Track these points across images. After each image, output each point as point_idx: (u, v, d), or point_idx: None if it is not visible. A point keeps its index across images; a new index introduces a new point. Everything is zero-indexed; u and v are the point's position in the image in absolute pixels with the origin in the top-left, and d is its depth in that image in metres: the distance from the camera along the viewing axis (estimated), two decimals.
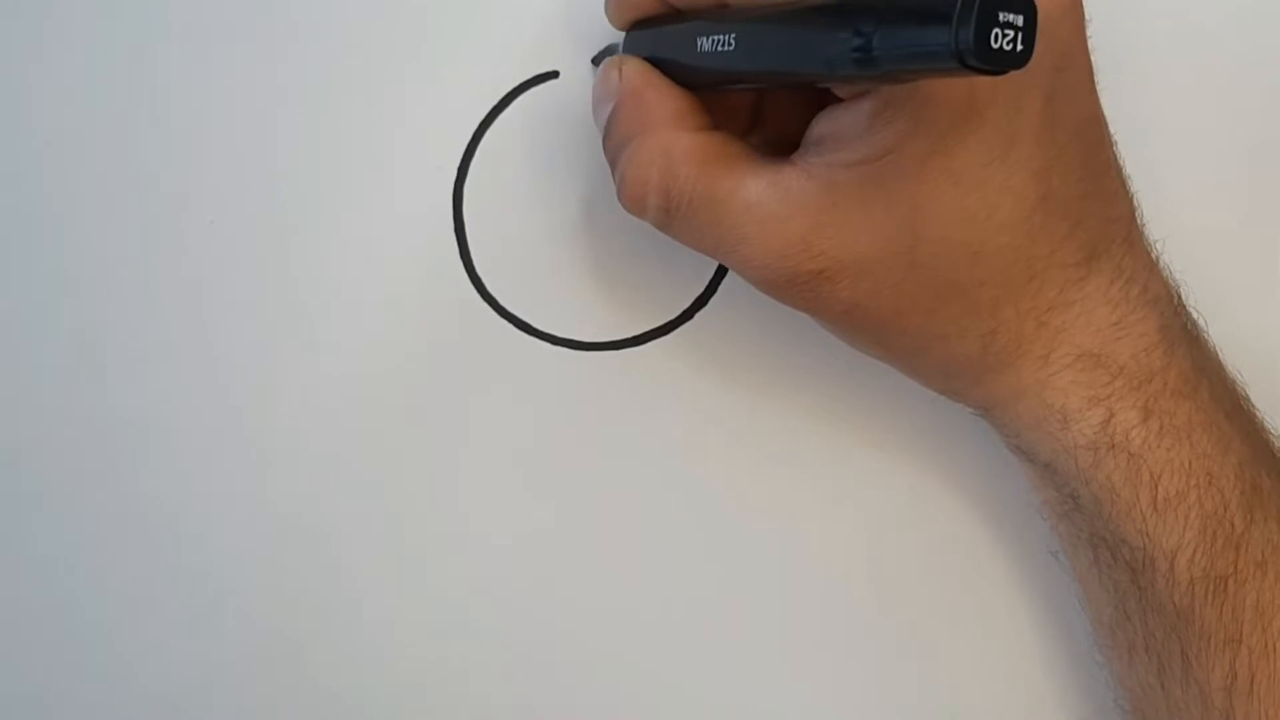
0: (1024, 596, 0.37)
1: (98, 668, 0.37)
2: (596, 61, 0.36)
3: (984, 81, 0.27)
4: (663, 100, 0.31)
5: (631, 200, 0.31)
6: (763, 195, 0.30)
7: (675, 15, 0.32)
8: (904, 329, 0.31)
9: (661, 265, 0.36)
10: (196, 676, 0.38)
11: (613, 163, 0.32)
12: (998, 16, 0.23)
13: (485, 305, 0.36)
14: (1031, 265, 0.30)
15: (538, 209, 0.36)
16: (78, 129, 0.36)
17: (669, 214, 0.31)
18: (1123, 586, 0.32)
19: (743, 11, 0.30)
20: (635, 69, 0.32)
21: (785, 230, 0.30)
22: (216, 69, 0.35)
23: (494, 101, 0.36)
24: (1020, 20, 0.24)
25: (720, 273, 0.36)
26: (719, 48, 0.30)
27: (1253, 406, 0.33)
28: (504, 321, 0.36)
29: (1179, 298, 0.32)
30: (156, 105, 0.35)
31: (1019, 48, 0.24)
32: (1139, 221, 0.32)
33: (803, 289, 0.30)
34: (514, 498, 0.37)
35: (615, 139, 0.32)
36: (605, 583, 0.38)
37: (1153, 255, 0.32)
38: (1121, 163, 0.32)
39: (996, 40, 0.23)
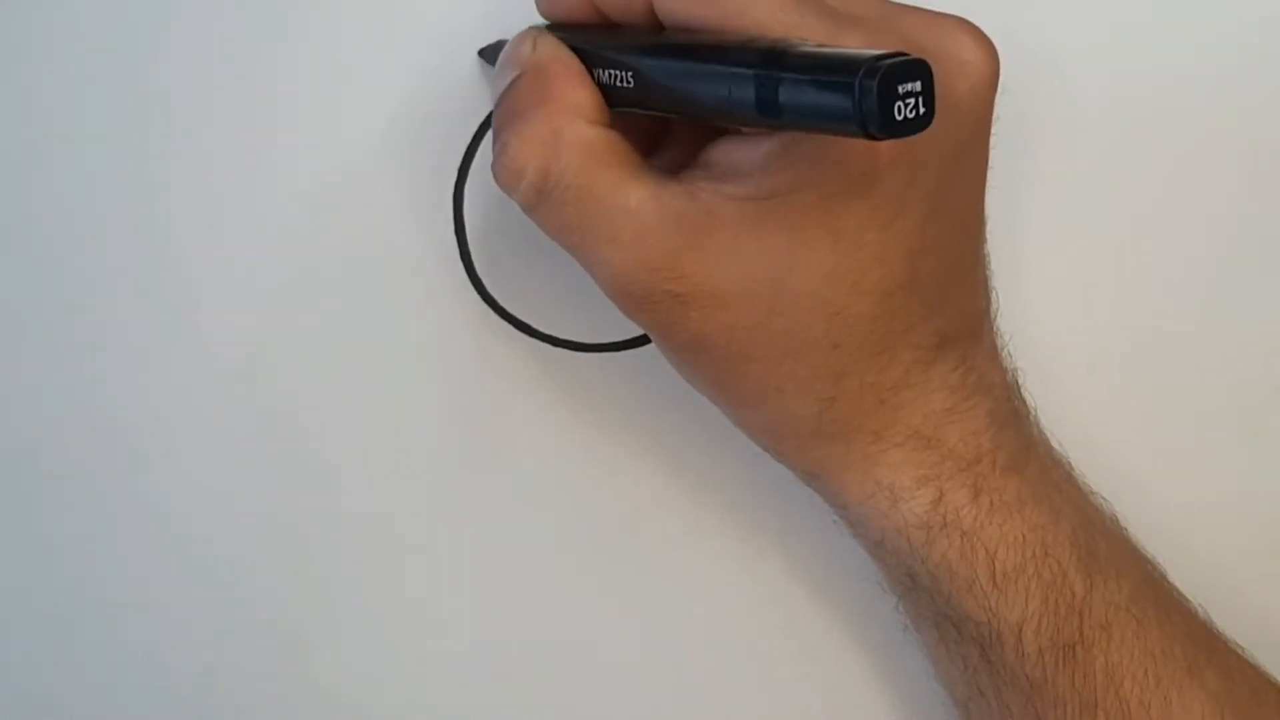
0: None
1: (97, 668, 0.38)
2: (485, 55, 0.35)
3: (887, 147, 0.27)
4: (568, 84, 0.30)
5: (507, 173, 0.30)
6: (642, 203, 0.29)
7: (602, 28, 0.31)
8: (746, 374, 0.30)
9: None
10: (196, 677, 0.38)
11: (498, 131, 0.31)
12: (898, 89, 0.23)
13: (485, 306, 0.36)
14: (884, 340, 0.30)
15: None
16: (75, 128, 0.36)
17: (541, 195, 0.30)
18: (973, 662, 0.32)
19: (647, 41, 0.29)
20: (549, 46, 0.31)
21: (655, 243, 0.29)
22: (215, 67, 0.35)
23: None
24: (919, 85, 0.24)
25: None
26: (616, 82, 0.30)
27: (1080, 476, 0.34)
28: (504, 322, 0.36)
29: (1015, 384, 0.33)
30: (155, 105, 0.35)
31: (921, 111, 0.24)
32: (992, 315, 0.32)
33: (656, 307, 0.30)
34: (514, 499, 0.38)
35: (507, 108, 0.31)
36: (606, 583, 0.38)
37: (997, 346, 0.33)
38: (989, 256, 0.32)
39: (900, 112, 0.24)
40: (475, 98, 0.36)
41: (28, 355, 0.36)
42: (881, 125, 0.23)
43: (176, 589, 0.37)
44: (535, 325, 0.36)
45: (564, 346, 0.36)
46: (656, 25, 0.30)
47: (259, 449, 0.37)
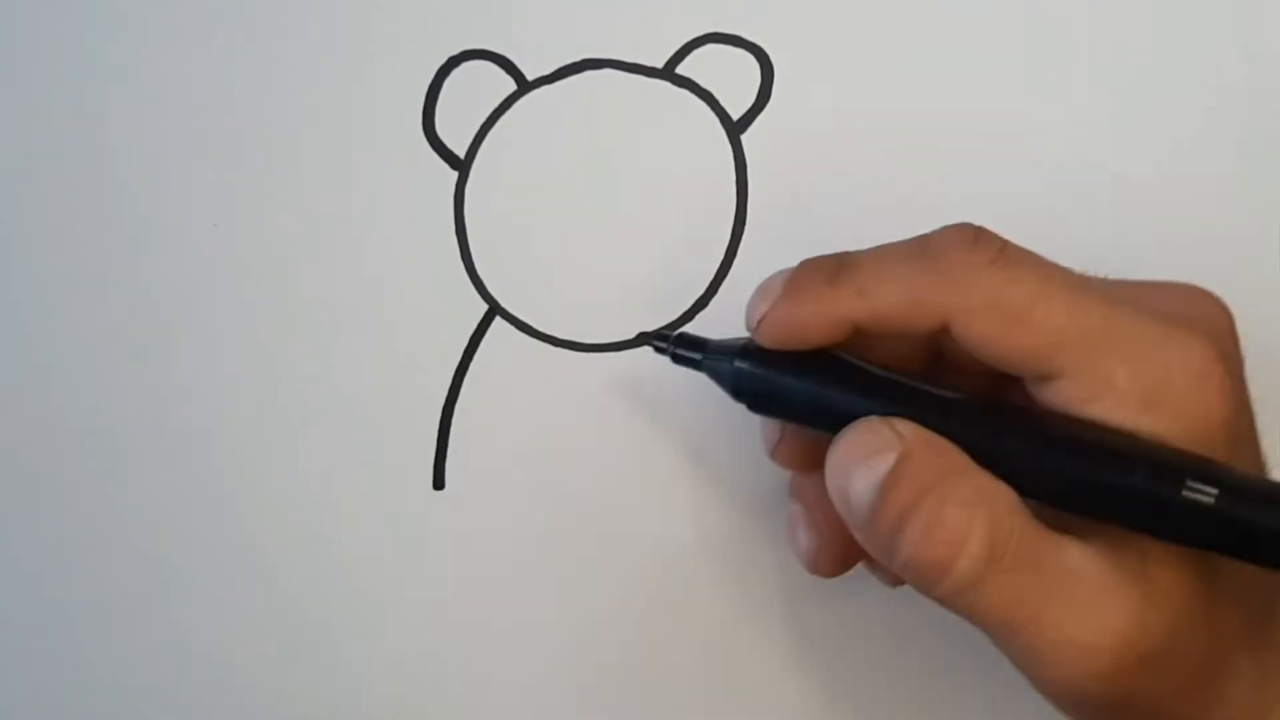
0: None
1: (83, 674, 0.37)
2: (655, 341, 0.33)
3: None
4: (960, 453, 0.27)
5: (945, 546, 0.26)
6: (1087, 562, 0.26)
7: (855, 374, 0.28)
8: (1174, 714, 0.27)
9: (662, 266, 0.36)
10: (188, 681, 0.38)
11: (907, 513, 0.27)
12: None
13: (485, 306, 0.36)
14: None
15: (538, 210, 0.36)
16: (78, 127, 0.36)
17: (991, 564, 0.26)
18: None
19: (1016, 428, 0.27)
20: (913, 426, 0.28)
21: (1119, 601, 0.26)
22: (218, 66, 0.36)
23: (496, 103, 0.36)
24: None
25: (721, 274, 0.36)
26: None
27: None
28: (504, 323, 0.37)
29: None
30: (159, 106, 0.36)
31: None
32: None
33: (1127, 674, 0.26)
34: (514, 499, 0.37)
35: (909, 488, 0.27)
36: (606, 583, 0.38)
37: None
38: None
39: None
40: (478, 99, 0.36)
41: (19, 355, 0.36)
42: None
43: (176, 592, 0.37)
44: (536, 326, 0.36)
45: (564, 347, 0.36)
46: (929, 347, 0.28)
47: (257, 451, 0.37)
